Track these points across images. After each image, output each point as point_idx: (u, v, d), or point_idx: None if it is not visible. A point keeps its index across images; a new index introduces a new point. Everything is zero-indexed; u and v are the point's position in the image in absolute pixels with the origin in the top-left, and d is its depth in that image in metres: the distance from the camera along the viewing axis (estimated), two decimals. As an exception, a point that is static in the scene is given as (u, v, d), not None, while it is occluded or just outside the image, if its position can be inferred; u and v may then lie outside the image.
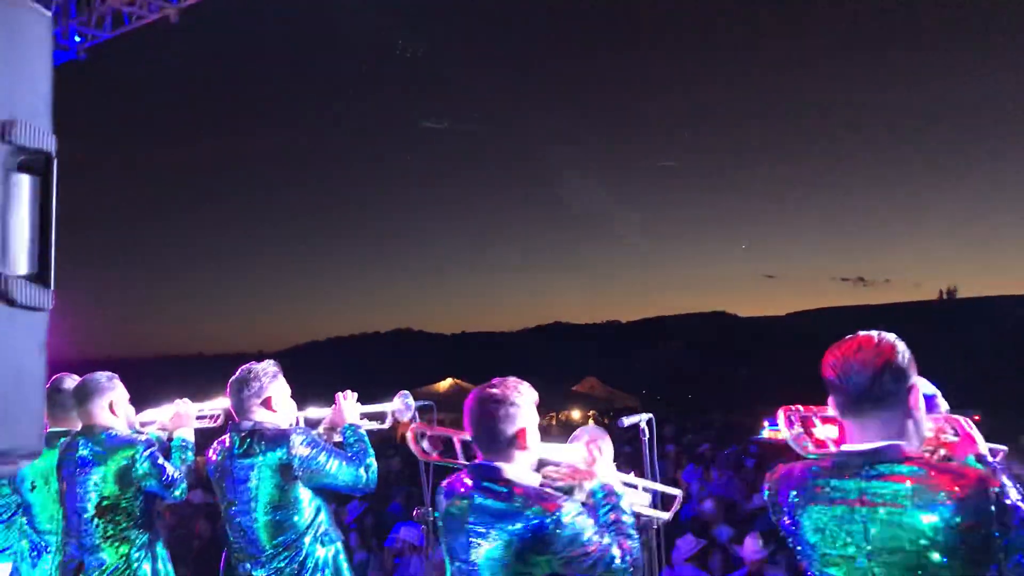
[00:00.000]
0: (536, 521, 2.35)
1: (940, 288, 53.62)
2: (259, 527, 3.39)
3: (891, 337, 2.10)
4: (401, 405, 3.69)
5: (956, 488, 1.90)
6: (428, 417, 3.45)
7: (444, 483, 2.66)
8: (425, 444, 2.79)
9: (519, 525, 2.37)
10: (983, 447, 2.24)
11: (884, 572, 1.99)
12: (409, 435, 2.82)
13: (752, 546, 6.90)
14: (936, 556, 1.91)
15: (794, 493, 2.17)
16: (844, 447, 2.12)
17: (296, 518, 3.39)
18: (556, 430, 26.14)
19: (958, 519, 1.87)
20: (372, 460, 3.50)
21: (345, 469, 3.40)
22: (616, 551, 2.42)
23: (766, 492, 2.27)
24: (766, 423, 18.78)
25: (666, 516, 2.93)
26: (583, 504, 2.51)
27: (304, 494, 3.39)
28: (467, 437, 2.67)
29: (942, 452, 2.22)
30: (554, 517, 2.35)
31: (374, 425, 3.74)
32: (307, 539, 3.41)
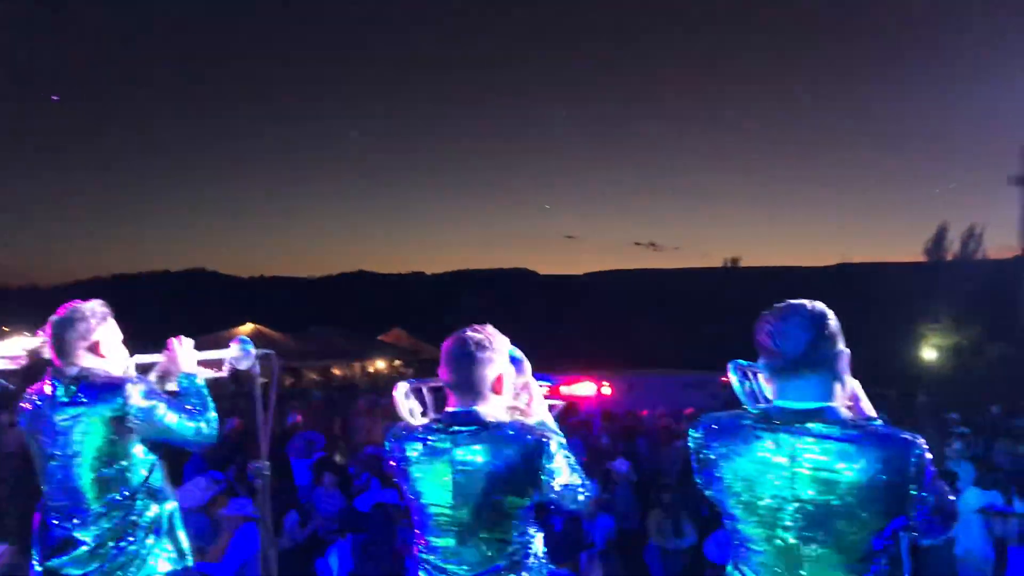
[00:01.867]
0: (528, 452, 2.45)
1: (725, 257, 57.29)
2: (85, 484, 3.05)
3: (822, 306, 2.24)
4: (239, 352, 3.44)
5: (884, 449, 2.08)
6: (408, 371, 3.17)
7: (402, 430, 2.65)
8: (414, 404, 2.66)
9: (511, 455, 2.45)
10: (870, 411, 2.44)
11: (805, 521, 2.13)
12: (400, 395, 2.65)
13: None
14: (858, 510, 2.08)
15: (723, 444, 2.27)
16: (778, 403, 2.23)
17: (128, 474, 3.08)
18: (362, 380, 26.00)
19: (883, 477, 2.06)
20: (213, 412, 3.23)
21: (185, 422, 3.13)
22: (580, 484, 2.55)
23: (691, 441, 2.37)
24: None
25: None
26: None
27: (137, 449, 3.08)
28: (437, 384, 2.68)
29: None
30: (544, 447, 2.46)
31: (209, 373, 3.45)
32: (140, 497, 3.10)
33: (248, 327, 22.93)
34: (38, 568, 3.12)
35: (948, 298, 33.19)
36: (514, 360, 2.81)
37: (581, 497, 2.56)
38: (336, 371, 26.30)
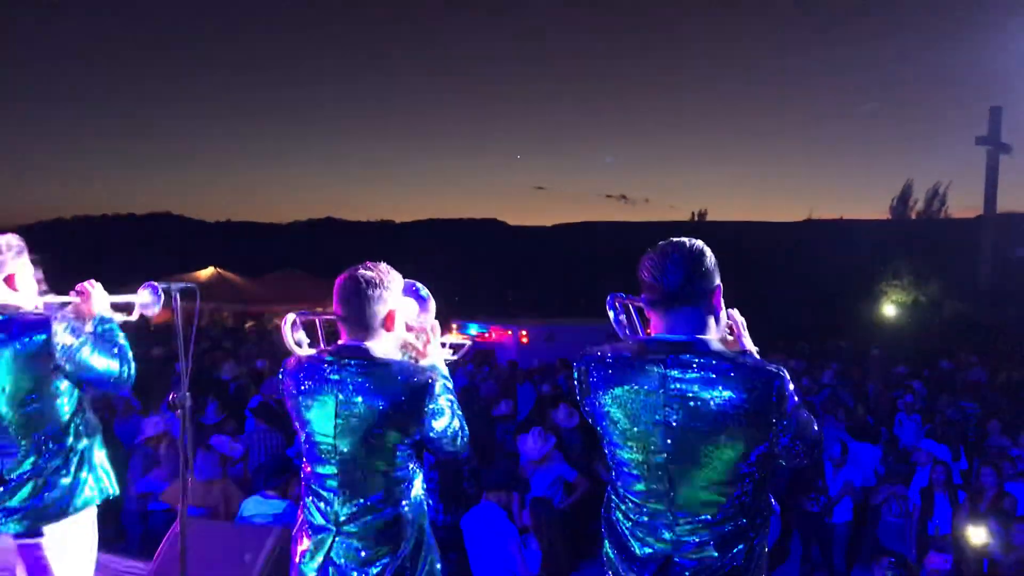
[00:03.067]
0: (412, 390, 2.55)
1: (692, 210, 57.58)
2: (12, 421, 3.04)
3: (700, 243, 2.33)
4: (149, 298, 3.38)
5: (747, 380, 2.18)
6: (309, 306, 3.18)
7: (292, 362, 2.72)
8: (300, 334, 2.73)
9: (396, 392, 2.54)
10: (749, 344, 2.59)
11: (676, 448, 2.24)
12: (286, 324, 2.72)
13: (534, 443, 7.18)
14: (723, 437, 2.19)
15: (603, 374, 2.36)
16: (655, 335, 2.33)
17: (57, 411, 3.08)
18: (329, 338, 25.81)
19: (747, 407, 2.16)
20: (130, 353, 3.22)
21: (108, 361, 3.12)
22: (460, 428, 2.68)
23: (576, 372, 2.46)
24: (455, 325, 19.55)
25: (454, 358, 3.08)
26: None
27: (63, 385, 3.08)
28: (329, 317, 2.74)
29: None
30: (428, 388, 2.56)
31: (120, 316, 3.40)
32: (70, 432, 3.13)
33: (209, 271, 22.77)
34: None
35: (910, 255, 33.67)
36: (420, 298, 2.87)
37: (459, 440, 2.68)
38: (299, 316, 26.16)
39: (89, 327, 3.26)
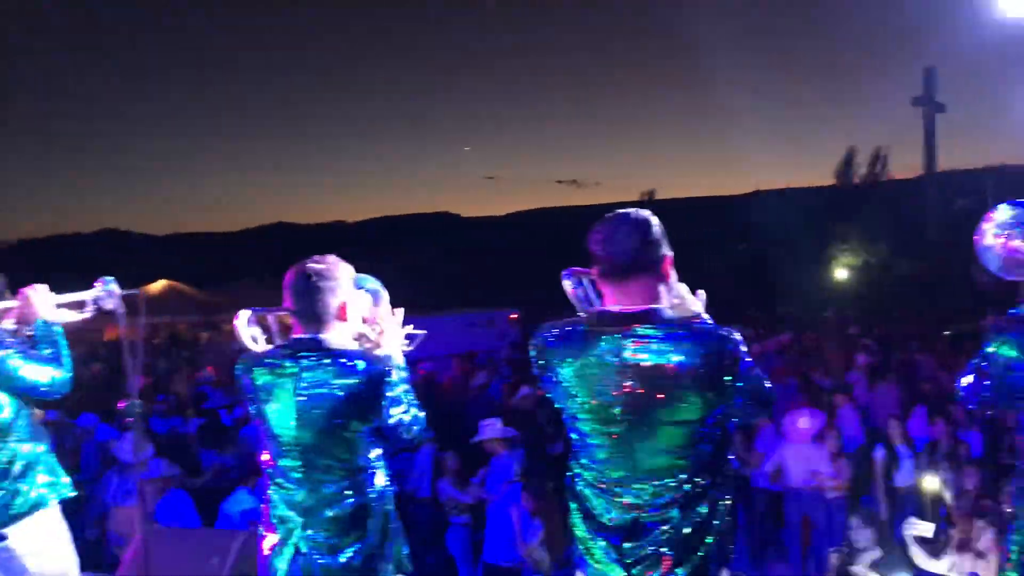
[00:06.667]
0: (370, 378, 2.56)
1: (641, 191, 57.80)
2: None
3: (646, 213, 2.36)
4: (102, 292, 3.41)
5: (701, 345, 2.23)
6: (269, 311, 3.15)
7: (249, 359, 2.72)
8: (256, 331, 2.75)
9: (354, 381, 2.56)
10: (697, 307, 2.61)
11: (635, 416, 2.27)
12: (241, 322, 2.73)
13: (495, 423, 7.22)
14: (680, 402, 2.23)
15: (559, 350, 2.39)
16: (608, 307, 2.36)
17: None
18: (283, 333, 25.70)
19: (702, 371, 2.21)
20: (68, 359, 3.24)
21: (38, 370, 3.15)
22: (416, 417, 2.70)
23: (532, 350, 2.48)
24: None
25: (410, 348, 3.10)
26: None
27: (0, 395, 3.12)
28: (282, 312, 2.75)
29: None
30: (385, 377, 2.58)
31: (74, 315, 3.42)
32: (11, 439, 3.17)
33: (161, 283, 22.48)
34: None
35: (858, 219, 34.26)
36: (372, 292, 2.89)
37: (415, 428, 2.72)
38: (256, 324, 25.93)
39: (28, 332, 3.28)
